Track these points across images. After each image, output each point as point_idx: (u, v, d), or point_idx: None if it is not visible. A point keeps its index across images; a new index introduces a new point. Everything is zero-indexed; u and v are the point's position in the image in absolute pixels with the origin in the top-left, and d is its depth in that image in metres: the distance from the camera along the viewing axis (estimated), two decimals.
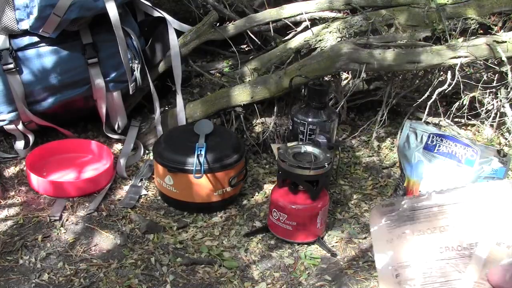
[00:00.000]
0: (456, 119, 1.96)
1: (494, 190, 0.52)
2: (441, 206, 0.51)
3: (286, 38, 2.02)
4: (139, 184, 1.63)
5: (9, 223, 1.43)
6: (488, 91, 1.90)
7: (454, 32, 1.89)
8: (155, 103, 1.77)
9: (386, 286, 0.49)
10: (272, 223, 1.41)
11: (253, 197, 1.61)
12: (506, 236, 0.47)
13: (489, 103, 1.92)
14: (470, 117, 1.96)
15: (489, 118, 1.90)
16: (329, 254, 1.38)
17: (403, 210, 0.51)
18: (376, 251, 0.51)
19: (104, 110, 1.74)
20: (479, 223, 0.50)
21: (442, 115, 1.93)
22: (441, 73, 1.90)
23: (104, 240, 1.40)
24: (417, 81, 1.96)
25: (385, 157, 1.86)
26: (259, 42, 2.06)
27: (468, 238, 0.50)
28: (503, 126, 1.92)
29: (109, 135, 1.80)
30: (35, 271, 1.28)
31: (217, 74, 2.03)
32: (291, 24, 2.00)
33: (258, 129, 1.84)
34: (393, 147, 1.91)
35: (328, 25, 1.92)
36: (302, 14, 1.96)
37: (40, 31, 1.55)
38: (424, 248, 0.49)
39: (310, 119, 1.56)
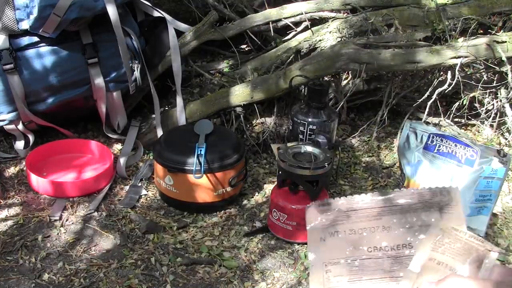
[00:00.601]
0: (456, 119, 1.96)
1: (434, 197, 0.52)
2: (374, 209, 0.52)
3: (286, 38, 2.02)
4: (139, 184, 1.63)
5: (9, 223, 1.43)
6: (488, 91, 1.90)
7: (454, 32, 1.89)
8: (155, 103, 1.77)
9: (316, 282, 0.50)
10: (272, 223, 1.41)
11: (253, 197, 1.61)
12: (437, 252, 0.47)
13: (489, 103, 1.92)
14: (470, 117, 1.96)
15: (489, 118, 1.90)
16: None
17: (339, 210, 0.52)
18: (310, 249, 0.52)
19: (104, 110, 1.74)
20: (409, 229, 0.50)
21: (442, 115, 1.93)
22: (441, 73, 1.90)
23: (104, 240, 1.40)
24: (417, 81, 1.96)
25: (385, 157, 1.86)
26: (259, 42, 2.06)
27: (396, 241, 0.50)
28: (503, 126, 1.92)
29: (109, 135, 1.80)
30: (35, 271, 1.28)
31: (217, 74, 2.03)
32: (291, 24, 2.00)
33: (258, 129, 1.84)
34: (393, 147, 1.91)
35: (328, 25, 1.92)
36: (302, 14, 1.97)
37: (40, 31, 1.55)
38: (354, 247, 0.50)
39: (310, 119, 1.56)
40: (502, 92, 1.87)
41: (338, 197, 0.51)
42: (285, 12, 1.98)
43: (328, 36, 1.90)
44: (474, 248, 0.47)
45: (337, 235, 0.51)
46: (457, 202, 0.52)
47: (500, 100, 1.87)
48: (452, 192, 0.53)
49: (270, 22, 1.98)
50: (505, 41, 1.72)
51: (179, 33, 1.85)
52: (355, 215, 0.52)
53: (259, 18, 1.98)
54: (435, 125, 1.91)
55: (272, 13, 1.99)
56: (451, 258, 0.47)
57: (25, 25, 1.56)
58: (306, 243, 1.40)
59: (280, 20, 1.99)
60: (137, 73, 1.71)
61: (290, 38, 1.99)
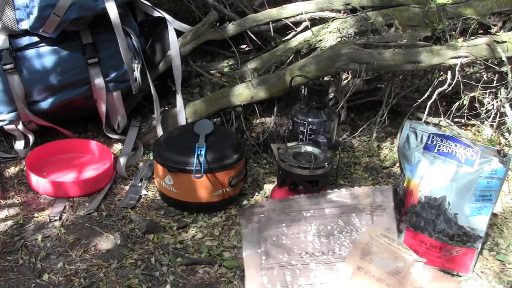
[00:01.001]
0: (456, 119, 1.96)
1: (367, 198, 0.52)
2: (308, 211, 0.52)
3: (286, 38, 2.02)
4: (139, 184, 1.63)
5: (9, 223, 1.43)
6: (488, 91, 1.90)
7: (454, 32, 1.89)
8: (155, 103, 1.77)
9: (252, 284, 0.51)
10: None
11: (253, 197, 1.61)
12: (365, 260, 0.47)
13: (489, 103, 1.92)
14: (470, 117, 1.96)
15: (489, 118, 1.90)
16: None
17: (272, 212, 0.52)
18: (244, 253, 0.52)
19: (104, 110, 1.74)
20: (340, 234, 0.51)
21: (442, 115, 1.93)
22: (441, 73, 1.90)
23: (104, 240, 1.40)
24: (417, 81, 1.96)
25: (385, 157, 1.86)
26: (259, 42, 2.06)
27: (327, 246, 0.50)
28: (503, 126, 1.92)
29: (109, 135, 1.80)
30: (35, 271, 1.28)
31: (217, 74, 2.03)
32: (291, 24, 2.00)
33: (258, 129, 1.84)
34: (393, 147, 1.91)
35: (328, 25, 1.92)
36: (302, 14, 1.97)
37: (40, 31, 1.55)
38: (287, 252, 0.50)
39: (310, 119, 1.56)
40: (502, 92, 1.87)
41: (272, 200, 0.52)
42: (285, 12, 1.98)
43: (328, 36, 1.90)
44: (401, 257, 0.48)
45: (270, 239, 0.51)
46: (390, 202, 0.52)
47: (500, 100, 1.87)
48: (385, 192, 0.53)
49: (270, 22, 1.98)
50: (505, 41, 1.72)
51: (179, 33, 1.85)
52: (288, 218, 0.52)
53: (259, 18, 1.98)
54: (435, 125, 1.91)
55: (272, 13, 1.99)
56: (378, 267, 0.47)
57: (25, 25, 1.56)
58: None
59: (280, 20, 1.99)
60: (137, 73, 1.71)
61: (290, 38, 1.99)
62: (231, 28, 1.94)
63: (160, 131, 1.76)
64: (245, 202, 1.59)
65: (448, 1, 2.01)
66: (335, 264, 0.49)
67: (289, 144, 1.44)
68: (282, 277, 0.50)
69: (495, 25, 1.97)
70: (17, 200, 1.53)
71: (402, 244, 0.48)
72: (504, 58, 1.71)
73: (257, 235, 0.52)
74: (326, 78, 1.86)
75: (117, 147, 1.82)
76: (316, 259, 0.50)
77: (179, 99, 1.77)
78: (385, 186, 0.51)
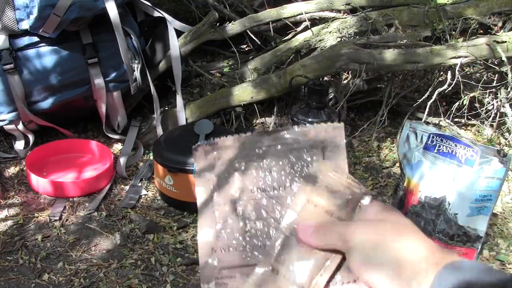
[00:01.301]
0: (456, 119, 1.96)
1: (318, 134, 0.52)
2: (260, 148, 0.52)
3: (286, 38, 2.02)
4: (139, 184, 1.63)
5: (9, 223, 1.43)
6: (488, 91, 1.90)
7: (454, 32, 1.89)
8: (155, 103, 1.77)
9: (204, 221, 0.50)
10: None
11: None
12: (315, 194, 0.48)
13: (489, 103, 1.92)
14: (470, 117, 1.96)
15: (489, 118, 1.90)
16: None
17: (225, 148, 0.52)
18: (197, 189, 0.52)
19: (104, 110, 1.74)
20: (291, 170, 0.51)
21: (442, 115, 1.93)
22: (441, 73, 1.90)
23: (104, 240, 1.39)
24: (417, 81, 1.96)
25: (385, 157, 1.86)
26: (259, 42, 2.06)
27: (278, 182, 0.50)
28: (503, 126, 1.92)
29: (109, 135, 1.80)
30: (35, 271, 1.28)
31: (217, 74, 2.03)
32: (291, 24, 2.00)
33: (258, 129, 1.84)
34: (393, 147, 1.91)
35: (328, 25, 1.92)
36: (302, 14, 1.97)
37: (40, 31, 1.55)
38: (238, 187, 0.50)
39: (310, 119, 1.56)
40: (502, 92, 1.86)
41: (226, 136, 0.52)
42: (285, 12, 1.98)
43: (328, 36, 1.90)
44: (350, 190, 0.48)
45: (223, 175, 0.51)
46: (342, 139, 0.52)
47: (500, 100, 1.87)
48: (337, 129, 0.53)
49: (270, 22, 1.98)
50: (505, 41, 1.72)
51: (179, 33, 1.85)
52: (240, 154, 0.51)
53: (259, 18, 1.98)
54: (435, 125, 1.91)
55: (272, 13, 1.99)
56: (328, 201, 0.47)
57: (25, 25, 1.56)
58: None
59: (280, 20, 1.99)
60: (137, 73, 1.71)
61: (290, 38, 1.99)
62: (231, 28, 1.94)
63: (160, 131, 1.76)
64: None
65: (448, 1, 2.01)
66: (287, 198, 0.50)
67: None
68: (234, 212, 0.50)
69: (495, 25, 1.97)
70: (17, 200, 1.53)
71: (352, 178, 0.48)
72: (504, 58, 1.71)
73: (209, 172, 0.52)
74: (326, 78, 1.86)
75: (117, 147, 1.81)
76: (268, 194, 0.50)
77: (179, 99, 1.77)
78: (337, 124, 0.51)
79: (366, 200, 0.47)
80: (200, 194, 0.51)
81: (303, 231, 0.46)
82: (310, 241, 0.45)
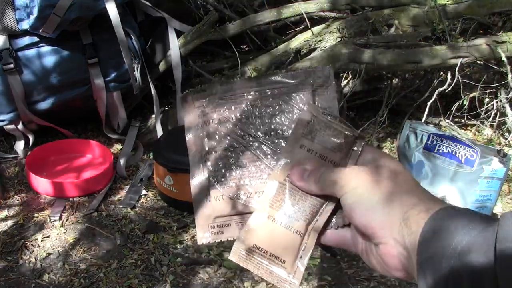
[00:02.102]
0: (456, 119, 1.96)
1: (308, 77, 0.51)
2: (249, 94, 0.51)
3: (286, 38, 2.02)
4: (139, 184, 1.63)
5: (9, 223, 1.43)
6: (488, 91, 1.90)
7: (454, 32, 1.89)
8: (155, 103, 1.77)
9: (195, 172, 0.50)
10: None
11: None
12: (307, 139, 0.48)
13: (489, 103, 1.92)
14: (470, 117, 1.96)
15: (489, 118, 1.90)
16: (329, 254, 1.38)
17: (214, 95, 0.52)
18: (187, 140, 0.52)
19: (104, 110, 1.74)
20: (282, 113, 0.51)
21: (442, 115, 1.93)
22: (441, 73, 1.90)
23: (104, 240, 1.39)
24: (417, 81, 1.96)
25: None
26: (259, 42, 2.06)
27: (270, 126, 0.50)
28: (503, 126, 1.92)
29: (109, 135, 1.80)
30: (35, 271, 1.28)
31: (217, 74, 2.03)
32: (291, 24, 2.00)
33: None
34: (393, 147, 1.91)
35: (328, 25, 1.92)
36: (302, 14, 1.97)
37: (40, 31, 1.55)
38: (229, 134, 0.50)
39: None
40: (502, 92, 1.86)
41: (214, 83, 0.51)
42: (285, 12, 1.98)
43: (328, 36, 1.90)
44: (343, 134, 0.48)
45: (212, 123, 0.51)
46: (331, 81, 0.52)
47: (500, 100, 1.87)
48: (325, 71, 0.52)
49: (270, 22, 1.98)
50: (505, 41, 1.72)
51: (179, 33, 1.85)
52: (230, 101, 0.51)
53: (259, 18, 1.98)
54: (435, 125, 1.91)
55: (272, 13, 1.99)
56: (321, 145, 0.47)
57: (25, 25, 1.56)
58: None
59: (280, 20, 1.99)
60: (137, 73, 1.71)
61: (290, 38, 1.99)
62: (231, 28, 1.94)
63: (160, 131, 1.76)
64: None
65: (448, 1, 2.01)
66: (278, 144, 0.50)
67: None
68: (225, 159, 0.50)
69: (495, 25, 1.97)
70: (17, 200, 1.53)
71: (344, 121, 0.48)
72: (504, 58, 1.71)
73: (199, 119, 0.52)
74: None
75: (117, 147, 1.81)
76: (259, 140, 0.50)
77: (179, 99, 1.77)
78: (326, 66, 0.51)
79: (359, 144, 0.48)
80: (191, 143, 0.51)
81: (298, 175, 0.46)
82: (305, 186, 0.45)
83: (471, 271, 0.33)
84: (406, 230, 0.39)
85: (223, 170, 0.49)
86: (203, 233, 0.49)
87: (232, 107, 0.50)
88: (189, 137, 0.52)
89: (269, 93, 0.50)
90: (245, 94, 0.50)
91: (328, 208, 0.46)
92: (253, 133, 0.49)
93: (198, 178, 0.50)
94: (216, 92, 0.50)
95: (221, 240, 0.49)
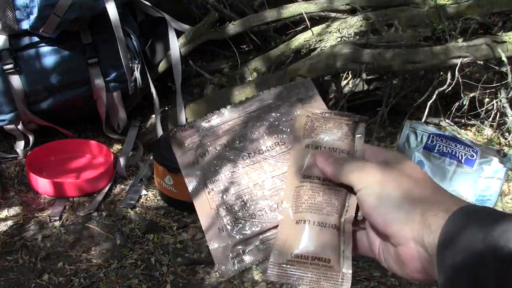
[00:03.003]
0: (456, 119, 1.96)
1: (291, 92, 0.52)
2: (239, 118, 0.51)
3: (286, 38, 2.02)
4: (139, 184, 1.63)
5: (9, 223, 1.43)
6: (488, 91, 1.90)
7: (454, 32, 1.89)
8: (155, 103, 1.77)
9: (201, 206, 0.49)
10: None
11: None
12: (311, 137, 0.47)
13: (489, 103, 1.92)
14: (470, 117, 1.96)
15: (489, 118, 1.90)
16: None
17: (204, 129, 0.51)
18: (185, 177, 0.50)
19: (104, 110, 1.74)
20: (277, 126, 0.50)
21: (442, 115, 1.93)
22: (441, 73, 1.90)
23: (104, 240, 1.39)
24: (417, 81, 1.96)
25: None
26: (259, 42, 2.06)
27: (268, 141, 0.50)
28: (503, 126, 1.92)
29: (109, 135, 1.80)
30: (35, 271, 1.28)
31: (217, 74, 2.03)
32: (291, 24, 2.00)
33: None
34: (393, 147, 1.91)
35: (328, 25, 1.92)
36: (302, 14, 1.96)
37: (40, 31, 1.55)
38: (229, 159, 0.49)
39: None
40: (502, 92, 1.86)
41: (200, 118, 0.51)
42: (285, 12, 1.98)
43: (328, 36, 1.90)
44: (344, 123, 0.47)
45: (208, 154, 0.50)
46: (315, 92, 0.52)
47: (500, 100, 1.87)
48: (306, 84, 0.53)
49: (270, 22, 1.98)
50: (505, 41, 1.72)
51: (179, 33, 1.85)
52: (221, 129, 0.51)
53: (259, 18, 1.98)
54: (435, 125, 1.91)
55: (272, 13, 1.99)
56: (326, 139, 0.47)
57: (25, 25, 1.56)
58: None
59: (280, 20, 1.99)
60: (137, 73, 1.71)
61: (290, 38, 1.99)
62: (231, 28, 1.94)
63: (160, 131, 1.76)
64: None
65: (448, 1, 2.01)
66: (281, 155, 0.49)
67: None
68: (231, 185, 0.49)
69: (495, 25, 1.97)
70: (17, 200, 1.53)
71: (340, 112, 0.48)
72: (504, 58, 1.71)
73: (191, 156, 0.51)
74: (326, 78, 1.86)
75: (117, 147, 1.81)
76: (262, 156, 0.49)
77: (179, 99, 1.77)
78: (304, 79, 0.51)
79: (361, 129, 0.47)
80: (189, 181, 0.50)
81: (325, 159, 0.45)
82: (329, 170, 0.44)
83: (495, 275, 0.32)
84: (426, 230, 0.38)
85: (230, 196, 0.48)
86: (224, 267, 0.47)
87: (224, 136, 0.49)
88: (186, 175, 0.51)
89: (258, 113, 0.50)
90: (234, 120, 0.50)
91: (354, 198, 0.45)
92: (254, 152, 0.48)
93: (206, 213, 0.49)
94: (205, 124, 0.50)
95: (245, 268, 0.47)
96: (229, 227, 0.47)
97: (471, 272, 0.34)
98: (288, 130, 0.48)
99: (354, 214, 0.45)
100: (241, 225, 0.47)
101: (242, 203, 0.47)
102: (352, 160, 0.45)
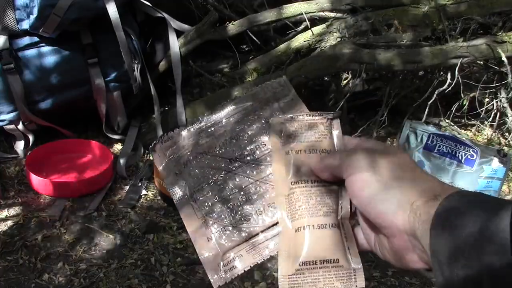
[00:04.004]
0: (456, 119, 1.96)
1: (267, 92, 0.51)
2: (217, 125, 0.51)
3: (286, 38, 2.02)
4: (139, 184, 1.63)
5: (9, 223, 1.43)
6: (488, 91, 1.90)
7: (454, 32, 1.89)
8: (155, 103, 1.77)
9: (187, 217, 0.49)
10: None
11: None
12: (290, 144, 0.47)
13: (489, 103, 1.92)
14: (470, 117, 1.96)
15: (489, 118, 1.90)
16: None
17: (183, 139, 0.51)
18: (169, 188, 0.50)
19: (104, 110, 1.74)
20: (258, 130, 0.50)
21: (442, 115, 1.93)
22: (441, 73, 1.90)
23: (104, 240, 1.39)
24: (417, 81, 1.96)
25: None
26: (259, 42, 2.06)
27: (249, 145, 0.50)
28: (503, 126, 1.92)
29: (109, 135, 1.80)
30: (35, 271, 1.28)
31: (217, 74, 2.03)
32: (291, 24, 2.00)
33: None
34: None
35: (328, 25, 1.92)
36: (302, 14, 1.96)
37: (40, 31, 1.55)
38: (211, 167, 0.49)
39: None
40: (502, 92, 1.86)
41: (179, 128, 0.51)
42: (285, 12, 1.98)
43: (328, 36, 1.90)
44: (317, 123, 0.47)
45: (190, 164, 0.50)
46: (290, 89, 0.52)
47: (500, 100, 1.87)
48: (282, 82, 0.53)
49: (270, 22, 1.98)
50: (505, 41, 1.72)
51: (179, 33, 1.85)
52: (201, 137, 0.51)
53: (259, 18, 1.98)
54: (435, 125, 1.91)
55: (272, 13, 1.99)
56: (305, 142, 0.47)
57: (25, 25, 1.56)
58: None
59: (280, 20, 1.99)
60: (137, 73, 1.71)
61: (290, 38, 1.99)
62: (231, 28, 1.94)
63: (160, 131, 1.76)
64: None
65: (448, 1, 2.01)
66: (264, 159, 0.49)
67: None
68: (215, 192, 0.49)
69: (495, 25, 1.96)
70: (17, 200, 1.53)
71: (312, 112, 0.48)
72: (504, 58, 1.71)
73: (174, 167, 0.51)
74: (326, 78, 1.86)
75: (117, 147, 1.81)
76: (243, 162, 0.49)
77: (179, 99, 1.77)
78: (280, 78, 0.51)
79: (336, 125, 0.47)
80: (174, 191, 0.50)
81: (318, 162, 0.45)
82: (317, 168, 0.44)
83: (489, 270, 0.32)
84: (416, 220, 0.37)
85: (216, 204, 0.48)
86: (216, 275, 0.47)
87: (204, 144, 0.49)
88: (170, 185, 0.51)
89: (235, 118, 0.50)
90: (214, 127, 0.50)
91: (344, 192, 0.44)
92: (235, 157, 0.48)
93: (192, 223, 0.48)
94: (185, 134, 0.50)
95: (238, 275, 0.46)
96: (217, 235, 0.47)
97: (467, 260, 0.33)
98: (267, 132, 0.48)
99: (349, 209, 0.45)
100: (229, 232, 0.47)
101: (228, 210, 0.47)
102: (336, 152, 0.45)
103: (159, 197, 1.58)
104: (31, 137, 1.73)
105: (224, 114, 0.50)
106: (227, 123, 0.50)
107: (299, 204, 0.45)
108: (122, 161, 1.69)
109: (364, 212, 0.41)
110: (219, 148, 0.49)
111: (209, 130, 0.50)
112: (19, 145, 1.73)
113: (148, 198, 1.58)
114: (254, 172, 0.48)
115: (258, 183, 0.48)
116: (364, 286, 0.43)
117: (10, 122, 1.66)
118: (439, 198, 0.37)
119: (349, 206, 0.45)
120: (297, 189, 0.45)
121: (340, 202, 0.45)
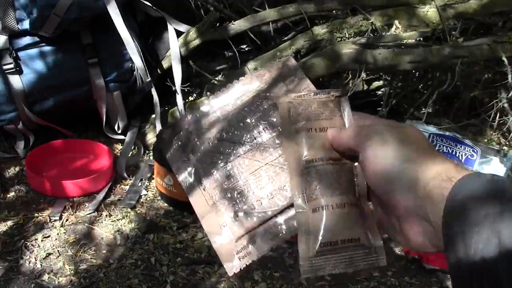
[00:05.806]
0: (456, 119, 1.96)
1: (273, 72, 0.50)
2: (223, 109, 0.50)
3: (286, 38, 2.02)
4: (139, 184, 1.63)
5: (9, 223, 1.43)
6: (488, 91, 1.90)
7: (454, 32, 1.89)
8: (155, 103, 1.77)
9: (198, 204, 0.48)
10: None
11: None
12: (299, 121, 0.46)
13: (489, 103, 1.92)
14: (470, 117, 1.96)
15: (489, 118, 1.90)
16: None
17: (190, 125, 0.50)
18: (178, 176, 0.49)
19: (104, 110, 1.74)
20: (264, 112, 0.49)
21: (442, 115, 1.93)
22: (441, 73, 1.90)
23: (104, 240, 1.40)
24: (417, 81, 1.96)
25: None
26: (259, 42, 2.06)
27: (256, 127, 0.49)
28: (503, 126, 1.92)
29: (109, 135, 1.80)
30: (35, 271, 1.28)
31: (217, 74, 2.03)
32: (291, 24, 2.00)
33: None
34: None
35: (328, 25, 1.92)
36: (302, 14, 1.96)
37: (41, 31, 1.55)
38: (219, 152, 0.48)
39: None
40: (502, 92, 1.86)
41: (183, 115, 0.51)
42: (285, 12, 1.98)
43: (328, 36, 1.90)
44: (327, 102, 0.46)
45: (198, 150, 0.49)
46: (297, 68, 0.51)
47: (500, 100, 1.87)
48: (287, 60, 0.52)
49: (270, 22, 1.98)
50: (505, 41, 1.72)
51: (179, 33, 1.85)
52: (207, 122, 0.50)
53: (259, 18, 1.98)
54: (435, 125, 1.91)
55: (272, 13, 1.98)
56: (315, 120, 0.46)
57: (25, 25, 1.56)
58: None
59: (280, 20, 1.99)
60: (137, 73, 1.71)
61: (290, 38, 1.99)
62: (231, 28, 1.94)
63: None
64: None
65: (448, 1, 2.00)
66: (270, 141, 0.48)
67: None
68: (225, 177, 0.48)
69: (495, 25, 1.96)
70: (17, 200, 1.53)
71: (318, 90, 0.47)
72: (504, 58, 1.71)
73: (181, 154, 0.50)
74: (326, 79, 1.85)
75: (117, 147, 1.82)
76: (252, 144, 0.48)
77: (179, 99, 1.77)
78: (284, 58, 0.50)
79: (344, 103, 0.47)
80: (183, 180, 0.49)
81: (336, 132, 0.44)
82: (340, 138, 0.44)
83: (506, 250, 0.31)
84: (429, 202, 0.36)
85: (226, 190, 0.47)
86: (231, 263, 0.45)
87: (211, 129, 0.48)
88: (178, 173, 0.50)
89: (241, 102, 0.48)
90: (219, 111, 0.49)
91: (359, 170, 0.43)
92: (242, 140, 0.47)
93: (203, 210, 0.47)
94: (189, 119, 0.49)
95: (252, 261, 0.45)
96: (229, 221, 0.46)
97: (473, 251, 0.32)
98: (275, 113, 0.47)
99: (366, 186, 0.43)
100: (241, 217, 0.46)
101: (239, 195, 0.46)
102: (353, 126, 0.44)
103: (159, 197, 1.58)
104: (31, 137, 1.73)
105: (231, 96, 0.49)
106: (233, 107, 0.49)
107: (315, 184, 0.43)
108: (122, 161, 1.69)
109: (375, 189, 0.41)
110: (226, 133, 0.48)
111: (216, 114, 0.49)
112: (19, 145, 1.73)
113: (148, 198, 1.58)
114: (264, 156, 0.47)
115: (267, 166, 0.47)
116: (386, 264, 0.42)
117: (10, 122, 1.66)
118: (453, 180, 0.36)
119: (365, 183, 0.43)
120: (312, 168, 0.44)
121: (355, 180, 0.44)
